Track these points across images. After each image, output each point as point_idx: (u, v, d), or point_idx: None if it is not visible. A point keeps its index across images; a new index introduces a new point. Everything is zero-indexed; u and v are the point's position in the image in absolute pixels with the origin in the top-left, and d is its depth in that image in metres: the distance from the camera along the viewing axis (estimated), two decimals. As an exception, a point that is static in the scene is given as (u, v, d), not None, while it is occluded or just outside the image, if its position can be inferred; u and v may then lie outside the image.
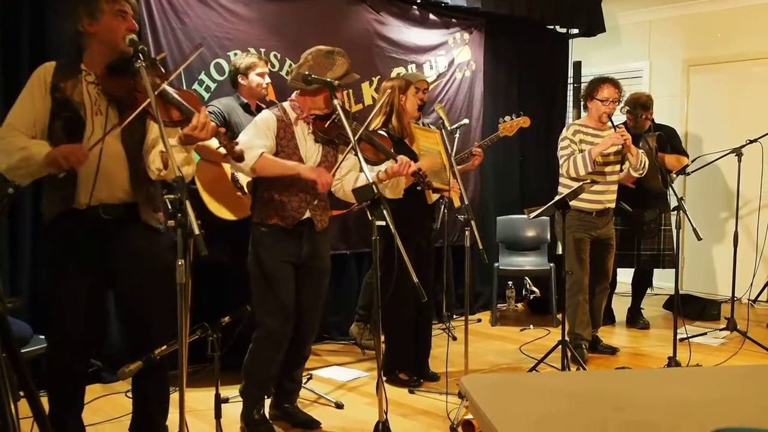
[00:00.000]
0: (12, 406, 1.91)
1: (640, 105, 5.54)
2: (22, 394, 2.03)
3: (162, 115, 2.82)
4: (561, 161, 4.86)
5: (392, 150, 3.81)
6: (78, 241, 2.79)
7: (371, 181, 2.97)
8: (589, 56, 7.50)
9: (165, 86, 2.82)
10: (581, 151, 4.75)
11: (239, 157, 3.12)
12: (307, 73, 3.34)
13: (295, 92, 3.58)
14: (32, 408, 2.07)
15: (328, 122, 3.47)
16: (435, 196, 4.46)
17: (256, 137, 3.39)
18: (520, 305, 6.73)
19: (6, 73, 3.99)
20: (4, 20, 3.99)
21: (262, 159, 3.34)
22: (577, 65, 7.24)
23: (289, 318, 3.51)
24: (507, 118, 5.05)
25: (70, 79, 2.77)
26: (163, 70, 2.92)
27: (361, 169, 3.19)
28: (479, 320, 6.28)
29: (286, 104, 3.57)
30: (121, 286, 2.92)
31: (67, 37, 2.89)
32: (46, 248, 2.94)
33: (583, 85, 5.16)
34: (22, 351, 3.19)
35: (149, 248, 2.92)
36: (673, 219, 4.46)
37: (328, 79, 3.32)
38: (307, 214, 3.50)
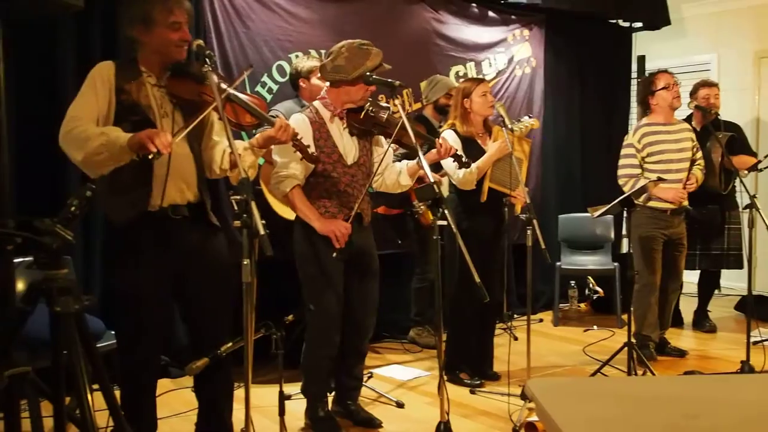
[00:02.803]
0: (90, 398, 1.98)
1: (704, 84, 5.43)
2: (96, 387, 2.10)
3: (234, 119, 2.89)
4: (621, 172, 4.78)
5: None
6: (147, 242, 2.80)
7: (433, 180, 2.97)
8: (654, 50, 7.34)
9: (233, 91, 2.87)
10: (647, 159, 4.70)
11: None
12: (368, 73, 3.38)
13: (325, 88, 3.60)
14: (107, 400, 2.14)
15: (363, 113, 3.49)
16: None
17: (294, 160, 3.41)
18: (582, 305, 6.64)
19: (79, 76, 4.04)
20: (76, 26, 4.10)
21: (294, 192, 3.44)
22: (641, 59, 7.09)
23: (339, 314, 3.54)
24: (519, 120, 4.97)
25: (132, 81, 2.78)
26: (222, 75, 2.97)
27: (421, 167, 3.21)
28: (541, 320, 6.22)
29: (317, 103, 3.59)
30: (186, 285, 2.92)
31: (123, 38, 2.91)
32: (114, 250, 2.93)
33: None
34: (96, 346, 3.27)
35: (213, 247, 2.96)
36: (746, 217, 4.34)
37: (389, 80, 3.33)
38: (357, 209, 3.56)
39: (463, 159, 3.72)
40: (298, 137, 3.11)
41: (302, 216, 3.47)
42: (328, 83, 3.58)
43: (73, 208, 2.02)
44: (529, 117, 4.77)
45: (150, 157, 2.53)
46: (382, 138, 3.71)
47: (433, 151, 3.64)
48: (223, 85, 2.83)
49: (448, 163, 4.13)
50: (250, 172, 3.02)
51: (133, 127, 2.72)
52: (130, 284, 2.81)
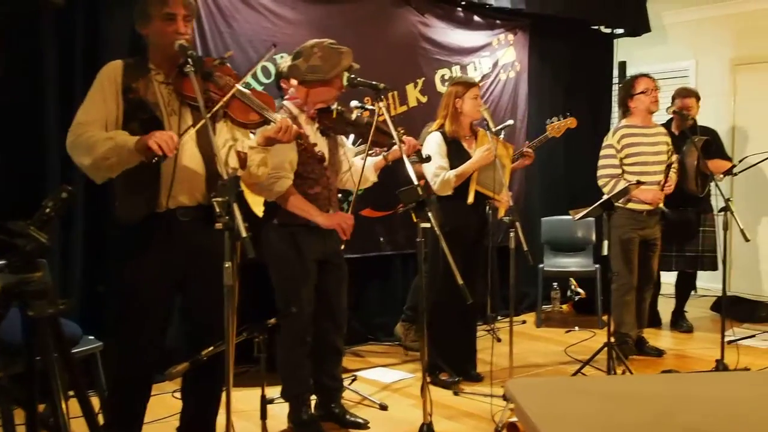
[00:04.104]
0: (64, 405, 1.96)
1: (683, 93, 5.49)
2: (72, 393, 2.07)
3: (239, 117, 2.87)
4: (601, 172, 4.84)
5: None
6: (154, 243, 2.78)
7: (416, 183, 2.98)
8: (635, 56, 7.40)
9: (241, 88, 2.85)
10: (625, 160, 4.75)
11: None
12: (353, 76, 3.40)
13: (293, 88, 3.58)
14: (82, 407, 2.11)
15: (334, 114, 3.49)
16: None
17: (287, 159, 3.40)
18: (565, 306, 6.67)
19: (61, 73, 4.08)
20: (58, 22, 4.06)
21: (290, 191, 3.43)
22: (623, 65, 7.16)
23: (311, 314, 3.56)
24: (554, 119, 5.03)
25: (140, 79, 2.77)
26: (233, 71, 2.93)
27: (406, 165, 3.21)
28: (524, 321, 6.24)
29: (287, 104, 3.57)
30: (188, 286, 2.90)
31: (130, 36, 2.87)
32: (122, 249, 2.91)
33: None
34: (73, 351, 3.24)
35: (221, 249, 2.91)
36: (720, 220, 4.41)
37: (374, 82, 3.34)
38: (331, 211, 3.58)
39: (424, 155, 3.71)
40: (304, 136, 3.09)
41: (302, 214, 3.45)
42: (296, 83, 3.56)
43: (48, 210, 1.98)
44: (566, 115, 4.83)
45: (155, 160, 2.54)
46: (343, 137, 3.75)
47: (395, 148, 3.64)
48: (230, 81, 2.82)
49: (429, 168, 4.15)
50: (260, 170, 3.01)
51: (141, 126, 2.72)
52: (137, 285, 2.80)
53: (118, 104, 2.73)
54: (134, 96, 2.74)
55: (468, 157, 4.24)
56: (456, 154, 4.26)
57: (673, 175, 4.87)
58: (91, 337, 3.69)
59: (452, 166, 4.21)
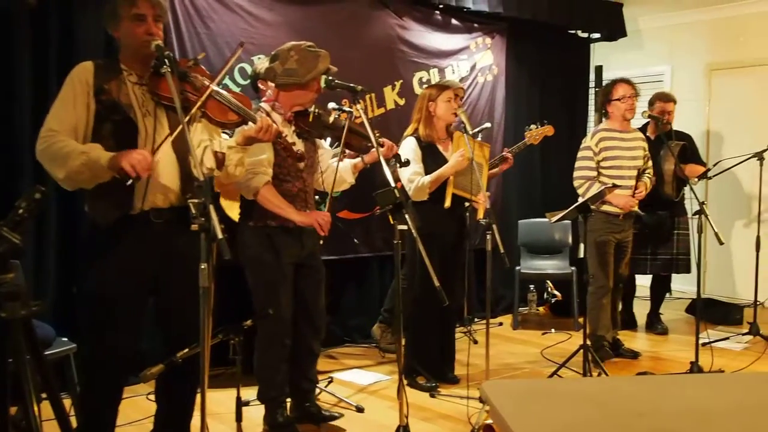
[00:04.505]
0: (35, 408, 1.93)
1: (663, 98, 5.55)
2: (44, 396, 2.05)
3: (218, 117, 2.85)
4: (578, 174, 4.89)
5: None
6: (128, 245, 2.75)
7: (393, 185, 2.97)
8: (611, 60, 7.49)
9: (217, 88, 2.83)
10: (602, 163, 4.80)
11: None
12: (331, 78, 3.39)
13: (271, 90, 3.58)
14: (54, 410, 2.09)
15: (311, 117, 3.48)
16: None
17: (262, 157, 3.40)
18: (541, 309, 6.70)
19: (35, 73, 4.03)
20: (32, 22, 4.02)
21: (267, 188, 3.41)
22: (599, 69, 7.25)
23: (290, 317, 3.55)
24: (533, 126, 5.06)
25: (112, 80, 2.73)
26: (207, 72, 2.91)
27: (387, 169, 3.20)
28: (500, 324, 6.26)
29: (266, 107, 3.56)
30: (163, 288, 2.87)
31: (105, 37, 2.84)
32: (94, 252, 2.84)
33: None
34: (46, 353, 3.19)
35: (195, 251, 2.90)
36: (695, 223, 4.46)
37: (352, 85, 3.34)
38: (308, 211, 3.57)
39: (402, 159, 3.72)
40: (283, 135, 3.09)
41: (278, 211, 3.43)
42: (273, 86, 3.55)
43: (21, 211, 1.95)
44: (544, 123, 4.87)
45: (128, 183, 2.53)
46: (321, 140, 3.75)
47: (373, 151, 3.63)
48: (206, 82, 2.80)
49: (404, 174, 4.15)
50: (238, 170, 3.00)
51: (115, 127, 2.70)
52: (107, 286, 2.76)
53: (88, 107, 2.69)
54: (107, 97, 2.70)
55: (444, 160, 4.24)
56: (431, 157, 4.26)
57: (647, 181, 4.91)
58: (65, 339, 3.66)
59: (428, 171, 4.21)
